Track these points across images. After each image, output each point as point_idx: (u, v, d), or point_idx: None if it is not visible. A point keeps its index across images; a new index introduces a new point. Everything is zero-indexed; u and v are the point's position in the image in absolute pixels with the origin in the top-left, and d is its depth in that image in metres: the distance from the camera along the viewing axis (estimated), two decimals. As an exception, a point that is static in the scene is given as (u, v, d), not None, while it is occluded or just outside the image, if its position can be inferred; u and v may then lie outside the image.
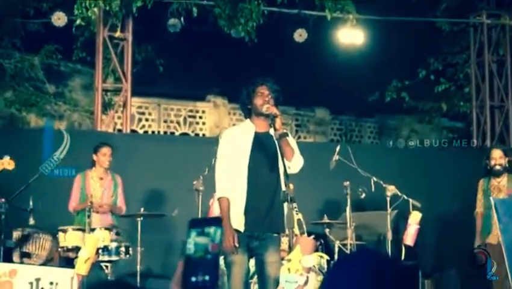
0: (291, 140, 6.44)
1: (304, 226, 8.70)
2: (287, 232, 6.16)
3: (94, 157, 9.44)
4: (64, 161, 9.19)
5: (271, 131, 6.44)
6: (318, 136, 19.43)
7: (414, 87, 16.18)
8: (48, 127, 9.12)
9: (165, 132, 18.18)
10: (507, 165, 9.33)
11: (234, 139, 6.45)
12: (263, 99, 6.34)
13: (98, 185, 9.40)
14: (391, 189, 9.17)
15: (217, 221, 2.07)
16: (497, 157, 9.32)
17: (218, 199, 6.39)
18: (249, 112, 6.53)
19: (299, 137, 19.13)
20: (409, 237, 9.13)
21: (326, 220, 9.93)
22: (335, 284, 1.96)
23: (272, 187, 6.30)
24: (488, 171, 9.40)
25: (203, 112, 18.88)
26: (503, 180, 9.32)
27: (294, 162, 6.30)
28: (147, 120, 18.22)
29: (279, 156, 6.25)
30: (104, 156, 9.44)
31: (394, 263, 2.01)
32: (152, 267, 10.61)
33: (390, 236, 9.11)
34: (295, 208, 5.83)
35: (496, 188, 9.29)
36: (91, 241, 7.78)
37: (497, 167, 9.28)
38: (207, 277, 1.97)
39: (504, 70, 14.40)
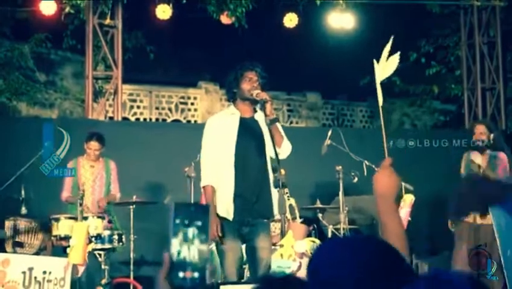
0: (279, 126, 6.43)
1: (296, 211, 8.70)
2: (278, 217, 6.17)
3: (85, 145, 9.40)
4: (64, 160, 9.16)
5: (256, 116, 6.43)
6: (310, 121, 19.42)
7: (405, 70, 16.12)
8: (48, 127, 9.05)
9: (157, 119, 18.15)
10: (491, 141, 9.00)
11: (219, 126, 6.42)
12: (251, 84, 6.31)
13: (89, 173, 9.36)
14: (383, 173, 9.15)
15: (205, 211, 2.02)
16: (478, 132, 9.04)
17: (203, 188, 6.38)
18: (234, 96, 6.49)
19: (291, 122, 19.12)
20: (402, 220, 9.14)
21: (318, 204, 9.94)
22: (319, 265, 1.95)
23: (260, 172, 6.29)
24: (470, 144, 9.23)
25: (195, 98, 18.84)
26: (484, 156, 9.03)
27: (283, 148, 6.30)
28: (138, 107, 18.18)
29: (267, 142, 6.23)
30: (90, 149, 9.38)
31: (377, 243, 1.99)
32: (146, 254, 10.61)
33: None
34: (287, 193, 5.84)
35: (475, 163, 9.03)
36: (78, 229, 7.78)
37: (478, 142, 9.00)
38: (196, 274, 1.93)
39: (495, 52, 14.39)
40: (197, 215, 1.99)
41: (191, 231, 1.98)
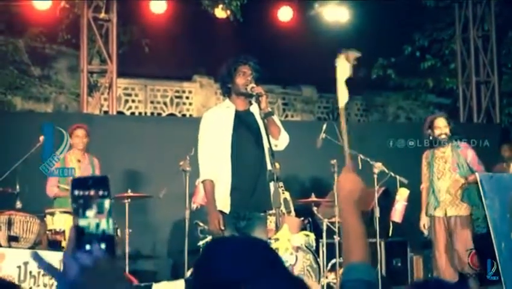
0: (276, 118, 6.43)
1: (291, 205, 8.71)
2: (273, 211, 6.17)
3: (70, 140, 9.32)
4: (64, 160, 9.16)
5: (252, 108, 6.43)
6: (306, 114, 19.42)
7: (400, 63, 16.18)
8: (48, 127, 9.03)
9: (152, 113, 18.14)
10: (451, 134, 8.83)
11: (215, 120, 6.42)
12: (245, 78, 6.31)
13: (77, 167, 9.31)
14: (378, 166, 9.14)
15: (105, 181, 1.95)
16: (441, 126, 8.82)
17: (203, 182, 6.39)
18: (228, 90, 6.50)
19: (286, 116, 19.12)
20: (397, 214, 9.14)
21: (313, 198, 9.94)
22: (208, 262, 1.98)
23: (257, 166, 6.30)
24: (431, 141, 8.93)
25: (190, 92, 18.83)
26: (447, 150, 8.87)
27: (281, 140, 6.30)
28: (133, 101, 18.17)
29: (263, 134, 6.23)
30: (78, 137, 9.33)
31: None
32: (141, 248, 10.63)
33: (377, 213, 9.09)
34: (281, 186, 5.85)
35: (441, 159, 8.89)
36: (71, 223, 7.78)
37: (443, 136, 8.79)
38: (103, 246, 1.88)
39: (489, 46, 14.41)
40: (98, 186, 1.95)
41: (95, 202, 1.94)
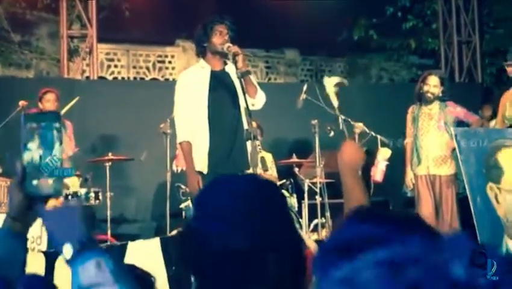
0: (252, 77, 6.42)
1: (267, 164, 8.71)
2: (250, 170, 6.19)
3: (40, 105, 9.21)
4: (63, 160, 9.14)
5: (227, 68, 6.42)
6: (289, 77, 19.36)
7: (381, 24, 16.13)
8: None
9: (135, 78, 18.06)
10: (440, 95, 8.78)
11: (190, 81, 6.42)
12: (222, 37, 6.31)
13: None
14: (359, 127, 9.16)
15: (55, 116, 1.93)
16: (431, 84, 8.74)
17: (180, 144, 6.41)
18: (203, 50, 6.49)
19: (269, 79, 19.07)
20: (378, 173, 9.14)
21: (295, 159, 9.97)
22: (206, 205, 1.97)
23: (234, 125, 6.31)
24: (419, 95, 8.88)
25: (172, 57, 18.73)
26: (435, 107, 8.81)
27: (257, 99, 6.30)
28: (116, 66, 18.04)
29: (239, 94, 6.23)
30: (49, 102, 9.21)
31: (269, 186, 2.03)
32: (123, 211, 10.65)
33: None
34: (258, 145, 5.85)
35: (426, 115, 8.82)
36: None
37: (429, 95, 8.72)
38: (51, 181, 1.87)
39: (471, 5, 14.42)
40: (49, 120, 1.93)
41: (48, 136, 1.92)
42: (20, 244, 2.02)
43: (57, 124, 1.90)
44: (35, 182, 1.88)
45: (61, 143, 1.90)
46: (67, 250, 1.77)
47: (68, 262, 1.77)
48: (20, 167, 1.90)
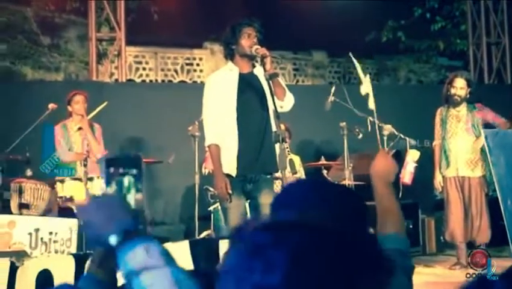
0: (280, 79, 6.41)
1: (296, 167, 8.69)
2: (279, 173, 6.17)
3: (69, 108, 9.23)
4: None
5: (255, 71, 6.41)
6: (317, 79, 19.35)
7: (410, 26, 16.08)
8: (48, 129, 9.06)
9: (163, 81, 18.12)
10: (468, 96, 8.82)
11: (218, 84, 6.40)
12: (251, 39, 6.30)
13: (77, 135, 9.23)
14: (387, 129, 9.11)
15: (138, 160, 1.98)
16: (458, 87, 8.80)
17: (208, 147, 6.40)
18: (231, 52, 6.48)
19: (297, 81, 19.06)
20: (407, 175, 9.09)
21: (323, 161, 9.94)
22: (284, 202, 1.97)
23: (262, 128, 6.29)
24: (446, 97, 8.96)
25: (201, 59, 18.78)
26: (463, 109, 8.86)
27: (286, 101, 6.28)
28: (144, 69, 18.14)
29: (267, 96, 6.21)
30: (78, 103, 9.21)
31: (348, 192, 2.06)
32: (152, 214, 10.66)
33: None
34: (287, 148, 5.81)
35: (454, 118, 8.88)
36: (77, 189, 7.85)
37: (456, 97, 8.79)
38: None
39: (500, 6, 14.32)
40: (130, 164, 1.97)
41: (126, 180, 1.96)
42: None
43: (134, 171, 1.95)
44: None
45: (137, 190, 1.95)
46: (113, 238, 1.82)
47: (115, 249, 1.82)
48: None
